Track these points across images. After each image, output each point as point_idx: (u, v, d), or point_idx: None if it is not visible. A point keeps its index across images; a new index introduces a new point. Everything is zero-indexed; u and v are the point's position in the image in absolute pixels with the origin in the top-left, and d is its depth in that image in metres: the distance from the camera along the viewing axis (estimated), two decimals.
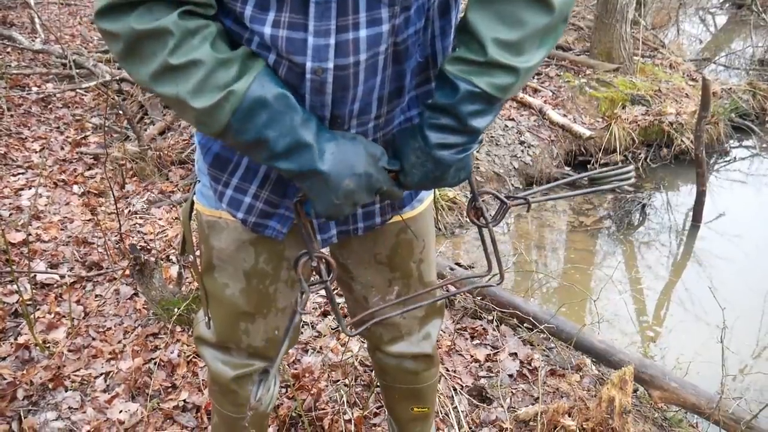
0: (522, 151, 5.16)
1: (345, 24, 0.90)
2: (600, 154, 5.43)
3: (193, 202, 1.27)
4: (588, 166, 5.42)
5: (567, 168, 5.32)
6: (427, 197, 1.33)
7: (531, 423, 2.09)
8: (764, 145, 6.08)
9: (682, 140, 5.53)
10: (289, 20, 0.89)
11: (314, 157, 0.93)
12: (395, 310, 1.29)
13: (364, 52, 0.93)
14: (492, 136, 5.16)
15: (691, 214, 4.61)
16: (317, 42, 0.90)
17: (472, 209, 1.13)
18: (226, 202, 1.15)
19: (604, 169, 1.12)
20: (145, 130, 4.76)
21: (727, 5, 11.71)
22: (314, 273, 1.08)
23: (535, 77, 6.30)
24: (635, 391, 2.40)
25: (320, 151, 0.93)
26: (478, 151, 4.98)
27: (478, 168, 4.85)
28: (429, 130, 0.96)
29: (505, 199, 1.12)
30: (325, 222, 1.20)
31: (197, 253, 1.33)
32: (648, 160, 5.55)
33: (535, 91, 5.93)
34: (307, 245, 1.06)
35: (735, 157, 5.92)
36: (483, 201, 1.14)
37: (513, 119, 5.40)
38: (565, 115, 5.55)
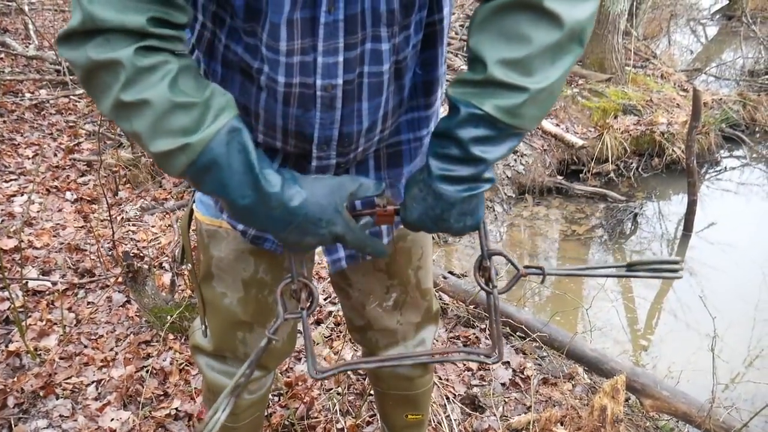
0: (515, 160, 5.18)
1: (354, 42, 0.91)
2: (592, 164, 5.46)
3: (192, 211, 1.27)
4: (580, 175, 5.45)
5: (559, 177, 5.35)
6: None
7: (523, 431, 2.09)
8: (754, 155, 6.14)
9: (673, 150, 5.58)
10: (301, 46, 0.90)
11: (276, 225, 0.90)
12: (370, 364, 1.28)
13: (367, 65, 0.95)
14: None
15: (682, 223, 4.64)
16: (326, 60, 0.91)
17: (479, 269, 0.98)
18: (228, 213, 1.15)
19: (647, 259, 0.96)
20: None
21: (717, 16, 11.84)
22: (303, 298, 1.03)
23: None
24: (627, 399, 2.40)
25: (282, 218, 0.88)
26: None
27: None
28: (432, 159, 0.90)
29: (520, 267, 0.95)
30: (333, 246, 1.18)
31: (195, 261, 1.33)
32: (639, 169, 5.59)
33: None
34: (291, 269, 1.01)
35: (726, 167, 5.97)
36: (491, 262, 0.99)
37: None
38: (557, 125, 5.58)
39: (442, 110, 1.18)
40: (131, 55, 0.78)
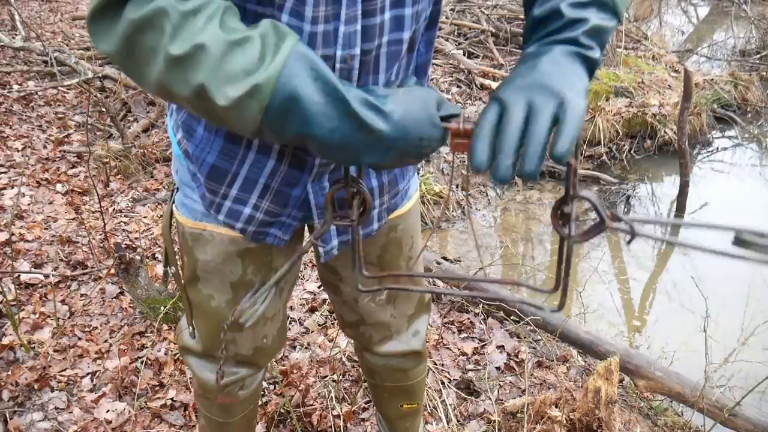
0: None
1: (372, 8, 0.87)
2: (584, 147, 5.46)
3: (172, 213, 1.22)
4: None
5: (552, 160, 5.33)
6: (414, 193, 1.31)
7: (518, 414, 2.10)
8: (746, 135, 6.14)
9: (665, 131, 5.57)
10: (325, 14, 0.85)
11: (374, 155, 0.78)
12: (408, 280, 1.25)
13: (386, 35, 0.91)
14: None
15: (675, 204, 4.65)
16: (347, 30, 0.87)
17: (558, 213, 0.84)
18: (225, 213, 1.10)
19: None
20: (129, 127, 4.72)
21: None
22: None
23: None
24: (621, 381, 2.42)
25: (380, 145, 0.77)
26: None
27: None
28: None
29: (606, 217, 0.78)
30: (326, 232, 1.14)
31: (179, 263, 1.30)
32: (632, 151, 5.58)
33: None
34: (345, 177, 0.89)
35: (717, 148, 5.97)
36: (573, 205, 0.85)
37: None
38: None
39: None
40: (173, 1, 0.71)
